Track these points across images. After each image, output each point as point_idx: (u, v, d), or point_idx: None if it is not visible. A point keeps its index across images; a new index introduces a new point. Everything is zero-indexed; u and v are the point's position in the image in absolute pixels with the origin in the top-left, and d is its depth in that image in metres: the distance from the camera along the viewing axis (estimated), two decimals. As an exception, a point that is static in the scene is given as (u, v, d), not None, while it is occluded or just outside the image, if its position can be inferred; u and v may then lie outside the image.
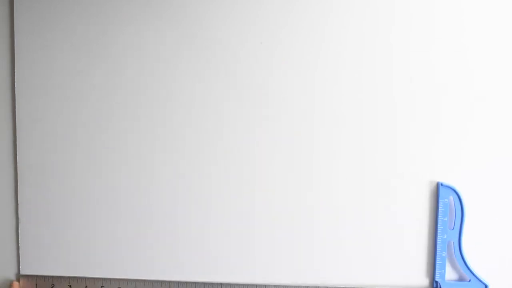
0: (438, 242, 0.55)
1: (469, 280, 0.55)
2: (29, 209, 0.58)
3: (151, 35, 0.56)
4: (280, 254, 0.56)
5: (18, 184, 0.58)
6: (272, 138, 0.56)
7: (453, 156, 0.55)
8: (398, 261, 0.56)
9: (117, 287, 0.58)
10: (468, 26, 0.54)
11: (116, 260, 0.58)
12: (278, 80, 0.55)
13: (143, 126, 0.57)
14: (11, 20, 0.57)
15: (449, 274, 0.56)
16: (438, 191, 0.55)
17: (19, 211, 0.58)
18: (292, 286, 0.57)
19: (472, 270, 0.55)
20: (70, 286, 0.58)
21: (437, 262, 0.55)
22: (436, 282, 0.55)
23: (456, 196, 0.55)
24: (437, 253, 0.55)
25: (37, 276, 0.58)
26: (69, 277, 0.58)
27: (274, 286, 0.57)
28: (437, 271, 0.55)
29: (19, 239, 0.58)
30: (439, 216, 0.55)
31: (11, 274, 0.59)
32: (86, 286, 0.58)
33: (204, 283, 0.57)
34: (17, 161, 0.58)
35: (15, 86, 0.57)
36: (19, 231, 0.58)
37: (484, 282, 0.55)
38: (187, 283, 0.57)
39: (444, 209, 0.55)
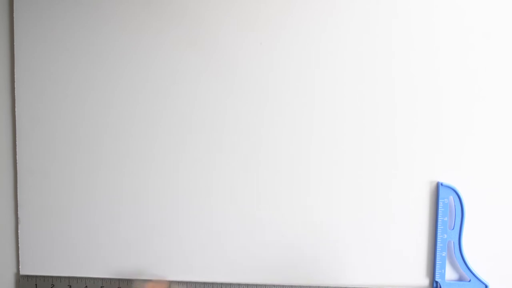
0: (438, 242, 0.55)
1: (469, 280, 0.55)
2: (29, 209, 0.58)
3: (151, 35, 0.56)
4: (280, 254, 0.56)
5: (17, 184, 0.58)
6: (272, 139, 0.56)
7: (453, 156, 0.55)
8: (398, 261, 0.56)
9: (116, 287, 0.58)
10: (469, 26, 0.54)
11: (116, 260, 0.58)
12: (278, 81, 0.55)
13: (143, 126, 0.56)
14: (11, 20, 0.57)
15: (449, 274, 0.56)
16: (438, 191, 0.55)
17: (18, 211, 0.58)
18: (292, 286, 0.57)
19: (472, 270, 0.55)
20: (70, 286, 0.58)
21: (437, 262, 0.55)
22: (436, 282, 0.55)
23: (456, 196, 0.55)
24: (437, 253, 0.55)
25: (36, 276, 0.58)
26: (68, 277, 0.58)
27: (274, 286, 0.57)
28: (437, 271, 0.55)
29: (19, 239, 0.58)
30: (439, 216, 0.55)
31: (10, 274, 0.59)
32: (86, 286, 0.58)
33: (204, 283, 0.57)
34: (17, 161, 0.57)
35: (15, 86, 0.57)
36: (19, 231, 0.58)
37: (484, 282, 0.55)
38: (187, 283, 0.57)
39: (444, 209, 0.55)
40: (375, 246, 0.56)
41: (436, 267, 0.55)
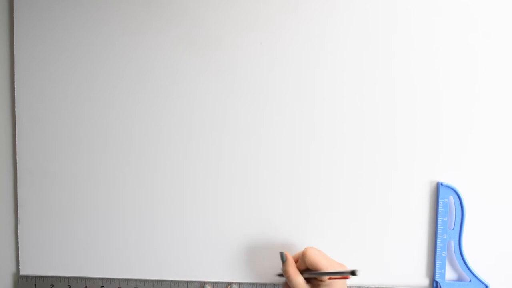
0: (438, 242, 0.55)
1: (470, 281, 0.55)
2: (29, 210, 0.58)
3: (151, 35, 0.56)
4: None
5: (17, 184, 0.58)
6: (272, 139, 0.56)
7: (453, 156, 0.55)
8: (398, 261, 0.56)
9: (117, 287, 0.57)
10: (469, 26, 0.54)
11: (116, 260, 0.58)
12: (278, 81, 0.55)
13: (143, 126, 0.56)
14: (11, 20, 0.57)
15: (449, 274, 0.56)
16: (438, 191, 0.55)
17: (18, 211, 0.58)
18: (292, 286, 0.57)
19: (472, 270, 0.55)
20: (70, 286, 0.58)
21: (437, 262, 0.55)
22: (436, 282, 0.55)
23: (456, 196, 0.55)
24: (437, 253, 0.55)
25: (36, 277, 0.58)
26: (68, 277, 0.58)
27: (274, 285, 0.57)
28: (437, 271, 0.55)
29: (19, 239, 0.58)
30: (439, 216, 0.55)
31: (10, 274, 0.59)
32: (86, 286, 0.58)
33: (205, 282, 0.57)
34: (17, 162, 0.57)
35: (15, 86, 0.57)
36: (19, 231, 0.58)
37: (485, 282, 0.55)
38: (187, 282, 0.57)
39: (444, 209, 0.55)
40: (375, 246, 0.56)
41: (436, 267, 0.55)
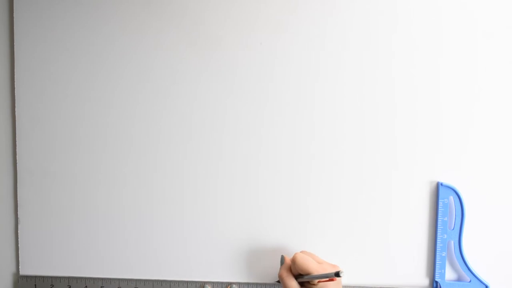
0: (438, 242, 0.55)
1: (470, 281, 0.55)
2: (29, 210, 0.58)
3: (151, 35, 0.56)
4: (280, 253, 0.56)
5: (17, 184, 0.58)
6: (272, 139, 0.56)
7: (453, 156, 0.55)
8: (398, 261, 0.56)
9: (117, 287, 0.57)
10: (469, 26, 0.54)
11: (116, 260, 0.58)
12: (278, 81, 0.55)
13: (143, 126, 0.56)
14: (11, 20, 0.57)
15: (449, 274, 0.56)
16: (438, 191, 0.55)
17: (18, 211, 0.58)
18: (292, 286, 0.57)
19: (472, 270, 0.55)
20: (70, 286, 0.58)
21: (437, 262, 0.55)
22: (436, 282, 0.55)
23: (456, 196, 0.55)
24: (437, 253, 0.55)
25: (36, 277, 0.58)
26: (68, 277, 0.58)
27: (274, 285, 0.57)
28: (437, 271, 0.55)
29: (19, 239, 0.58)
30: (439, 216, 0.55)
31: (10, 274, 0.59)
32: (86, 286, 0.58)
33: (205, 282, 0.57)
34: (17, 162, 0.57)
35: (15, 86, 0.57)
36: (19, 231, 0.58)
37: (485, 282, 0.55)
38: (187, 282, 0.57)
39: (444, 209, 0.55)
40: (375, 246, 0.56)
41: (436, 267, 0.55)
